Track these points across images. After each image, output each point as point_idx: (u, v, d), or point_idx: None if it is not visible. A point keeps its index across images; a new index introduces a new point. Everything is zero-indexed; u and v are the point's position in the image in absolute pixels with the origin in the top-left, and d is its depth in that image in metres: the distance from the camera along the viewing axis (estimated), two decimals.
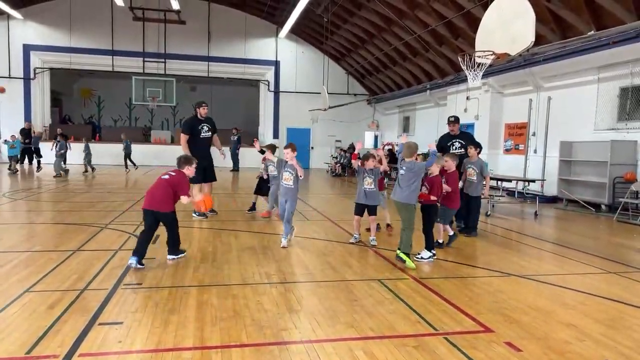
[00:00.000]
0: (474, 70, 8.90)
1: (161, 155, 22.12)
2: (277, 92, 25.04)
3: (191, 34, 23.27)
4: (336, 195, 13.92)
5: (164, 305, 4.05)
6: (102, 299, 4.16)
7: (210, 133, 8.88)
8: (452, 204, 6.68)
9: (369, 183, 6.67)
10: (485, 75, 10.16)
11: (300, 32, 24.02)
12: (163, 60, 23.29)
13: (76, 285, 4.53)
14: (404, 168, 5.80)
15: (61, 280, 4.68)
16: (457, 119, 8.60)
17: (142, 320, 3.71)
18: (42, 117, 23.22)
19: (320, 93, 20.91)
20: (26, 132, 18.82)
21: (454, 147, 8.36)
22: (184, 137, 8.67)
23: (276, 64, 24.81)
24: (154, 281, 4.74)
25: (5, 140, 18.24)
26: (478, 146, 7.95)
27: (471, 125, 16.31)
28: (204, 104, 8.90)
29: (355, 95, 25.18)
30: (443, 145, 8.49)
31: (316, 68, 24.24)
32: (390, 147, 22.84)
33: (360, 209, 6.77)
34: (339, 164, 21.43)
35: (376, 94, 24.73)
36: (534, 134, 13.86)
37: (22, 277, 4.75)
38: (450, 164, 6.72)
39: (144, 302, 4.11)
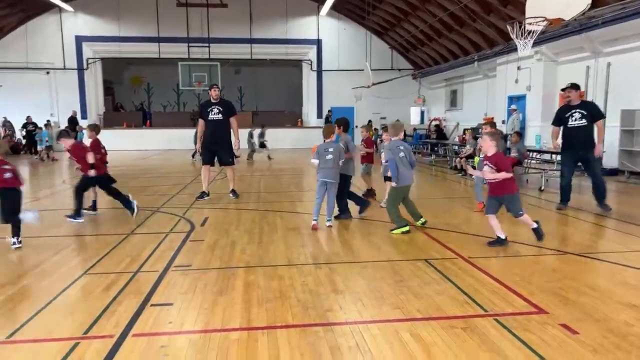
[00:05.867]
0: (525, 39, 8.46)
1: None
2: (319, 71, 24.88)
3: (233, 17, 23.41)
4: (380, 175, 13.71)
5: (212, 287, 4.15)
6: (153, 280, 4.31)
7: (220, 116, 8.63)
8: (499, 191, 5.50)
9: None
10: (536, 43, 9.63)
11: (341, 9, 23.62)
12: (207, 44, 23.59)
13: (130, 267, 4.72)
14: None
15: (116, 262, 4.89)
16: (573, 85, 7.48)
17: (192, 302, 3.81)
18: (96, 106, 24.30)
19: (363, 70, 20.57)
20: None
21: (573, 119, 7.29)
22: (199, 121, 8.84)
23: (318, 42, 24.59)
24: (202, 263, 4.87)
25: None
26: (602, 117, 7.32)
27: (523, 97, 15.59)
28: (214, 86, 8.93)
29: (399, 70, 24.62)
30: (561, 117, 7.52)
31: (358, 44, 23.86)
32: (437, 122, 22.31)
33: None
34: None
35: (421, 68, 24.07)
36: None
37: (81, 260, 5.01)
38: (488, 145, 5.38)
39: (193, 284, 4.22)
